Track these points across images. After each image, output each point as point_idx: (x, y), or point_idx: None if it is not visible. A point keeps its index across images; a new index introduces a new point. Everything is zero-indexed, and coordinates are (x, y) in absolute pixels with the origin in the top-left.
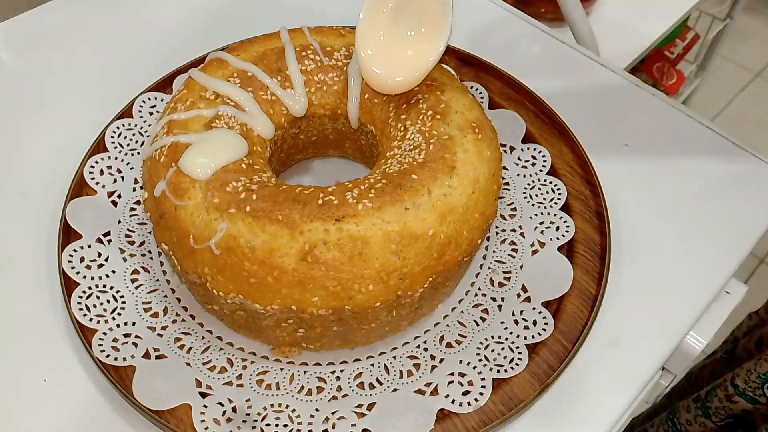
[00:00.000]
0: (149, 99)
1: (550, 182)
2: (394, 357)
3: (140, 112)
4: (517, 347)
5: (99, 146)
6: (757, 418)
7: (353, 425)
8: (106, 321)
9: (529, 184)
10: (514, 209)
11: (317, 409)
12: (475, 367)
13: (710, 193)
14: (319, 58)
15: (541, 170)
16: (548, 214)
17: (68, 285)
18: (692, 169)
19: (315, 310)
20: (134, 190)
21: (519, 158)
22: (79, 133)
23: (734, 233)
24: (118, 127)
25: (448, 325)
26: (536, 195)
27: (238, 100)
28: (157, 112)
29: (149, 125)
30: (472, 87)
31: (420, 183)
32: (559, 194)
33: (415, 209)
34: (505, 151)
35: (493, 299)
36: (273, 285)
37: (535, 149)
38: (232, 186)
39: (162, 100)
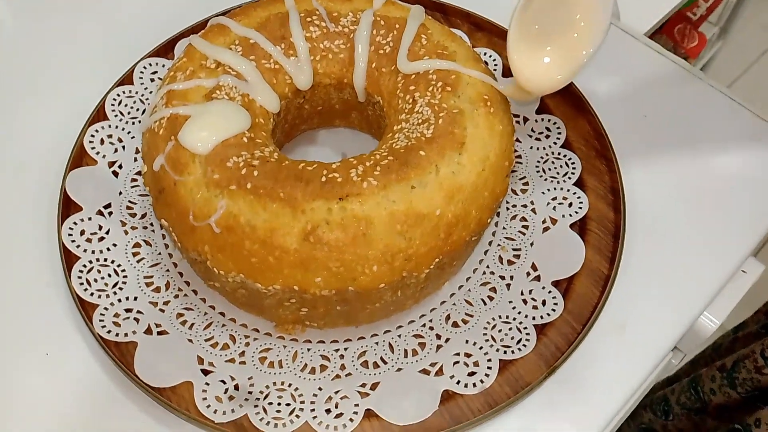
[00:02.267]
0: (150, 65)
1: (564, 156)
2: (399, 336)
3: (141, 78)
4: (525, 328)
5: (99, 114)
6: None
7: (356, 405)
8: (108, 296)
9: (542, 158)
10: (526, 184)
11: (320, 388)
12: (481, 348)
13: (730, 169)
14: (325, 25)
15: (555, 143)
16: (561, 189)
17: (68, 259)
18: (712, 143)
19: (317, 291)
20: (135, 160)
21: (533, 130)
22: (78, 99)
23: (753, 211)
24: (118, 95)
25: (454, 304)
26: (549, 169)
27: (240, 69)
28: (159, 78)
29: (150, 92)
30: (485, 54)
31: (427, 160)
32: (573, 168)
33: (422, 188)
34: (518, 122)
35: (502, 278)
36: (274, 265)
37: (549, 120)
38: (233, 161)
39: (164, 65)
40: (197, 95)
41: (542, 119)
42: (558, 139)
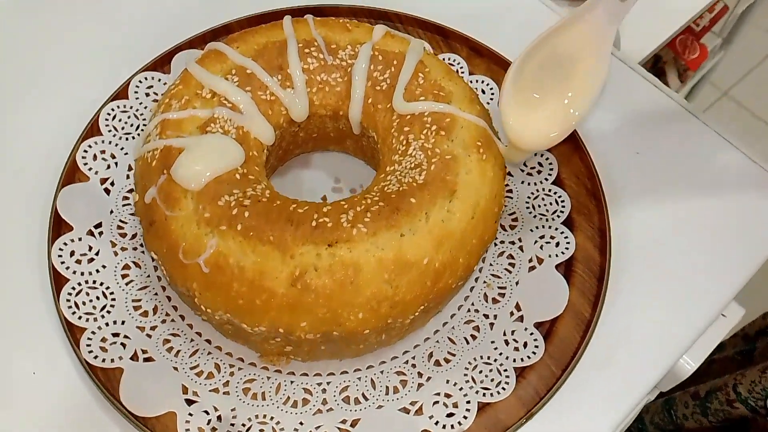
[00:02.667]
0: (146, 79)
1: (555, 193)
2: (382, 372)
3: (136, 93)
4: (506, 370)
5: (93, 129)
6: (754, 427)
7: None
8: (95, 319)
9: (533, 193)
10: (515, 220)
11: (301, 423)
12: (461, 389)
13: (719, 212)
14: (323, 57)
15: (546, 179)
16: (550, 227)
17: (58, 281)
18: (703, 185)
19: (303, 335)
20: (128, 177)
21: (525, 164)
22: (71, 112)
23: (740, 256)
24: (112, 109)
25: (438, 342)
26: (539, 206)
27: (236, 101)
28: (154, 93)
29: (145, 107)
30: (483, 81)
31: (418, 207)
32: (563, 207)
33: (411, 235)
34: None
35: (486, 316)
36: (261, 307)
37: (542, 156)
38: (225, 200)
39: (159, 80)
40: (191, 126)
41: (535, 154)
42: (550, 175)
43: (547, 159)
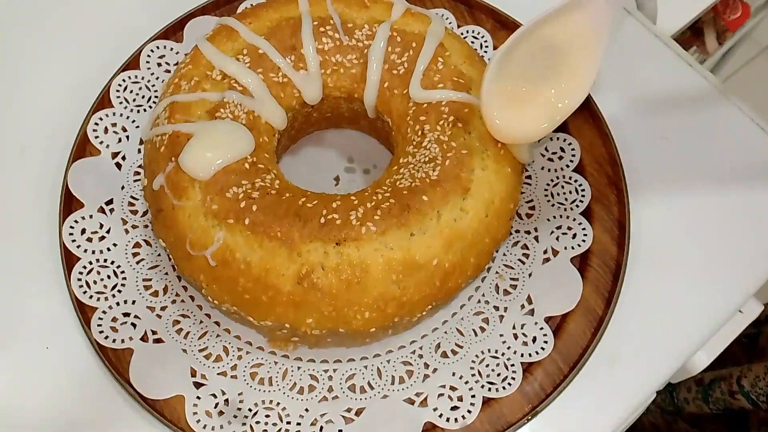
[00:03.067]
0: (157, 48)
1: (575, 181)
2: (388, 361)
3: (148, 62)
4: (512, 365)
5: (104, 101)
6: (753, 419)
7: (340, 430)
8: (106, 298)
9: (552, 180)
10: (532, 208)
11: (307, 409)
12: (467, 382)
13: (744, 204)
14: (338, 37)
15: (567, 165)
16: (567, 218)
17: (69, 260)
18: (729, 174)
19: (309, 330)
20: (139, 151)
21: (546, 149)
22: (82, 82)
23: (761, 251)
24: (123, 80)
25: (446, 332)
26: (558, 194)
27: (246, 83)
28: (166, 63)
29: (157, 78)
30: None
31: (429, 205)
32: (583, 196)
33: (421, 234)
34: None
35: (496, 308)
36: (267, 303)
37: (564, 140)
38: (233, 192)
39: (171, 49)
40: (201, 109)
41: (557, 138)
42: (571, 161)
43: (569, 144)
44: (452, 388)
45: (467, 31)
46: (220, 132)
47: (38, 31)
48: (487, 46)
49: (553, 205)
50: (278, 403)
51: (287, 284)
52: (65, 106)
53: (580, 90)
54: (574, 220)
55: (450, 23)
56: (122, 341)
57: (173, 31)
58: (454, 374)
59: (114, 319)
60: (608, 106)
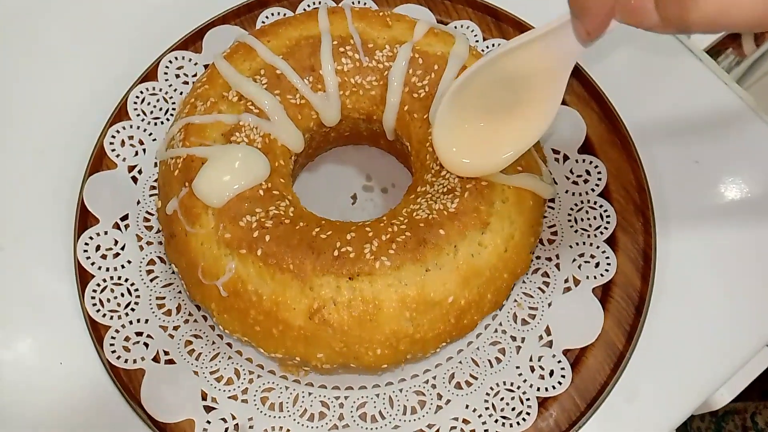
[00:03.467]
0: (175, 59)
1: (600, 206)
2: (401, 390)
3: (166, 74)
4: (528, 399)
5: (121, 113)
6: None
7: None
8: (119, 317)
9: (576, 205)
10: (555, 233)
11: None
12: (480, 416)
13: None
14: (358, 57)
15: (593, 189)
16: (591, 245)
17: (83, 277)
18: (761, 204)
19: (319, 364)
20: (155, 165)
21: (572, 171)
22: (100, 90)
23: None
24: (141, 92)
25: (460, 362)
26: (582, 219)
27: (263, 105)
28: (184, 74)
29: (174, 90)
30: None
31: (446, 240)
32: (608, 222)
33: (437, 270)
34: (557, 159)
35: (513, 338)
36: (278, 336)
37: (591, 163)
38: (246, 221)
39: (190, 60)
40: (216, 132)
41: (584, 160)
42: (597, 185)
43: (596, 167)
44: (465, 422)
45: (492, 44)
46: (235, 158)
47: (55, 42)
48: None
49: (576, 231)
50: (288, 430)
51: (298, 319)
52: (81, 118)
53: (543, 120)
54: (598, 247)
55: (475, 35)
56: (134, 361)
57: (192, 41)
58: (467, 407)
59: (127, 338)
60: (636, 124)
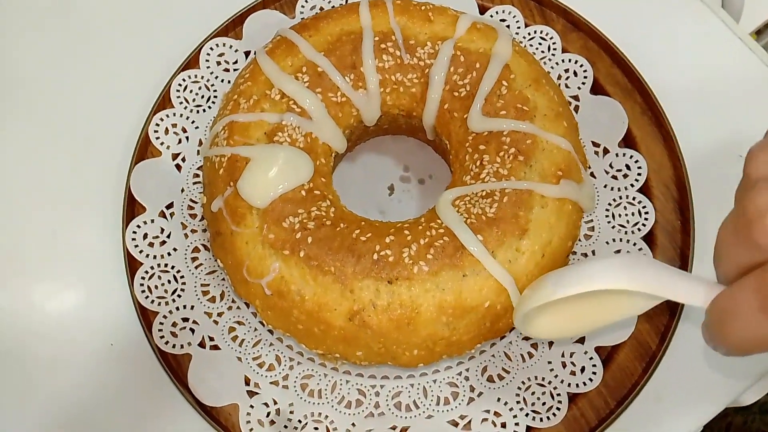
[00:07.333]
0: (216, 46)
1: (639, 202)
2: (434, 381)
3: (207, 61)
4: (558, 394)
5: (164, 100)
6: None
7: None
8: (167, 303)
9: (615, 200)
10: (591, 228)
11: (353, 424)
12: (511, 409)
13: None
14: (399, 54)
15: (632, 185)
16: (627, 242)
17: (132, 265)
18: None
19: (358, 362)
20: (198, 153)
21: (611, 165)
22: (140, 81)
23: None
24: (183, 80)
25: (493, 356)
26: (620, 215)
27: (305, 105)
28: (225, 62)
29: (216, 77)
30: (576, 62)
31: (484, 246)
32: (646, 220)
33: (474, 276)
34: (596, 153)
35: None
36: (319, 335)
37: (631, 157)
38: (289, 222)
39: (231, 46)
40: (259, 131)
41: (624, 154)
42: (636, 180)
43: (636, 162)
44: (496, 414)
45: (534, 32)
46: (280, 159)
47: (97, 32)
48: (555, 49)
49: (613, 227)
50: (326, 416)
51: (339, 320)
52: (126, 107)
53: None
54: (634, 244)
55: (518, 21)
56: (181, 347)
57: (233, 26)
58: (499, 400)
59: (174, 324)
60: (678, 115)
